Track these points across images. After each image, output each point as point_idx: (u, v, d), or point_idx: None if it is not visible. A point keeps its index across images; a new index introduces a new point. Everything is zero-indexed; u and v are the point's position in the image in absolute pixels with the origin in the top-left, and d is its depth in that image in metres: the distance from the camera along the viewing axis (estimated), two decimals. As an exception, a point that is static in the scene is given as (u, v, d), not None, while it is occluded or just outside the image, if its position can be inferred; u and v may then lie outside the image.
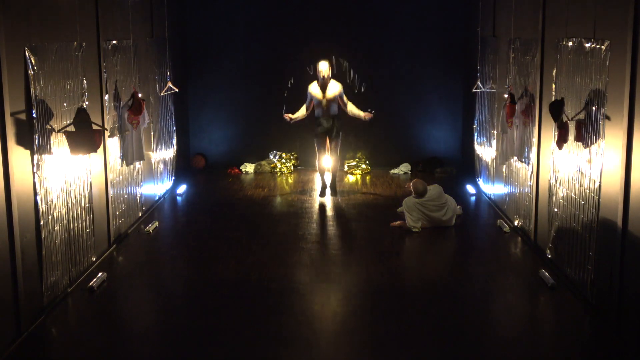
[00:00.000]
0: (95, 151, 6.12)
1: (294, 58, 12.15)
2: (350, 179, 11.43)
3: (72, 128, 5.97)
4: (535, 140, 7.50)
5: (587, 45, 5.97)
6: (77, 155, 6.08)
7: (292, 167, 12.08)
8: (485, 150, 10.05)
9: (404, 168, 12.06)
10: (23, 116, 5.46)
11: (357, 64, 12.15)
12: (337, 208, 9.80)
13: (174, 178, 10.69)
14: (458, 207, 8.89)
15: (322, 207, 9.79)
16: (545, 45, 7.26)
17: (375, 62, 12.13)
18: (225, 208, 9.52)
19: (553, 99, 6.50)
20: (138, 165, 8.63)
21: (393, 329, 5.68)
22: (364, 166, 11.95)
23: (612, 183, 5.50)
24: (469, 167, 11.33)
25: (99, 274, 6.71)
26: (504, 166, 8.87)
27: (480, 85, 9.90)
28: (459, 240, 7.99)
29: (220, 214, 9.19)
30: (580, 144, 6.04)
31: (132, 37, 8.25)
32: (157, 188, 9.77)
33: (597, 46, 5.76)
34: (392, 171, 12.05)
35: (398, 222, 8.59)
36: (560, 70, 6.61)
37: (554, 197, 6.85)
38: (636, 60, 5.11)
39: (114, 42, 7.66)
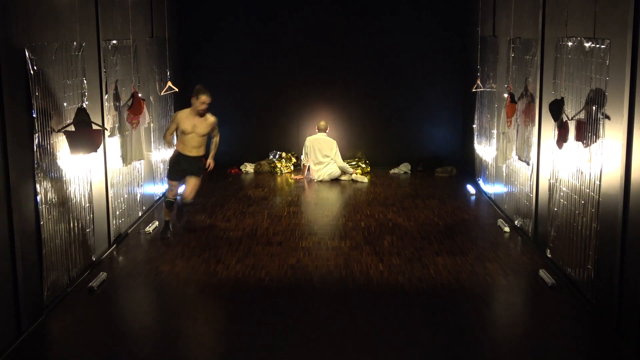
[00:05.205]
0: (95, 151, 6.12)
1: (295, 58, 12.15)
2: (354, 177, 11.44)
3: (72, 128, 5.97)
4: (535, 139, 7.50)
5: (587, 44, 5.97)
6: (77, 155, 6.08)
7: (292, 167, 12.08)
8: (485, 150, 10.05)
9: (404, 168, 12.06)
10: (23, 116, 5.46)
11: (357, 64, 12.15)
12: (336, 208, 9.80)
13: (174, 178, 10.67)
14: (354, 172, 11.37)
15: (322, 207, 9.79)
16: (545, 45, 7.26)
17: (375, 61, 12.14)
18: (225, 208, 9.51)
19: (553, 99, 6.50)
20: (138, 165, 8.63)
21: (393, 329, 5.68)
22: (363, 166, 11.95)
23: (612, 183, 5.50)
24: (469, 167, 11.34)
25: (99, 274, 6.71)
26: (504, 166, 8.87)
27: (480, 84, 9.90)
28: (459, 240, 7.99)
29: (220, 214, 9.19)
30: (580, 143, 6.04)
31: (132, 37, 8.25)
32: (157, 188, 9.77)
33: (597, 46, 5.75)
34: (392, 171, 12.05)
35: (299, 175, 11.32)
36: (560, 70, 6.61)
37: (554, 196, 6.85)
38: (636, 60, 5.11)
39: (114, 42, 7.66)
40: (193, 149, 8.09)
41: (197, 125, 8.00)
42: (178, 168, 8.16)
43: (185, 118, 8.00)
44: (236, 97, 12.28)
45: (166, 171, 8.74)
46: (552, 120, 6.44)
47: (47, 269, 5.89)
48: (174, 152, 8.25)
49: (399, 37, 12.08)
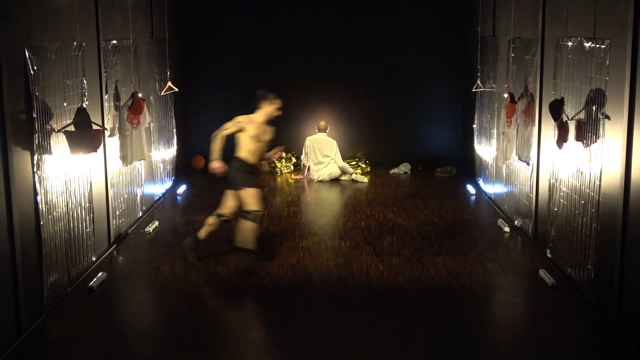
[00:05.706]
0: (95, 151, 6.12)
1: (295, 58, 12.15)
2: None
3: (72, 128, 5.97)
4: (535, 139, 7.50)
5: (587, 44, 5.97)
6: (77, 155, 6.08)
7: (292, 167, 12.08)
8: (485, 150, 10.05)
9: (404, 168, 12.06)
10: (23, 116, 5.46)
11: (357, 64, 12.15)
12: (336, 208, 9.80)
13: (174, 178, 10.68)
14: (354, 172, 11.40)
15: (322, 207, 9.79)
16: (545, 45, 7.26)
17: (375, 61, 12.14)
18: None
19: (553, 99, 6.50)
20: (138, 165, 8.63)
21: (393, 329, 5.68)
22: (363, 166, 11.95)
23: (612, 182, 5.50)
24: (469, 167, 11.34)
25: (99, 274, 6.71)
26: (504, 166, 8.87)
27: (480, 84, 9.90)
28: (459, 240, 7.99)
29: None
30: (580, 143, 6.04)
31: (132, 37, 8.25)
32: (157, 188, 9.77)
33: (597, 46, 5.75)
34: (392, 171, 12.05)
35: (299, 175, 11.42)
36: (560, 70, 6.61)
37: (554, 196, 6.85)
38: (636, 60, 5.11)
39: (114, 42, 7.66)
40: (258, 159, 7.30)
41: (266, 132, 7.37)
42: (253, 178, 7.20)
43: (253, 125, 7.23)
44: (236, 97, 12.27)
45: (239, 180, 7.16)
46: (552, 120, 6.44)
47: (47, 269, 5.89)
48: (238, 160, 7.19)
49: (399, 37, 12.08)
